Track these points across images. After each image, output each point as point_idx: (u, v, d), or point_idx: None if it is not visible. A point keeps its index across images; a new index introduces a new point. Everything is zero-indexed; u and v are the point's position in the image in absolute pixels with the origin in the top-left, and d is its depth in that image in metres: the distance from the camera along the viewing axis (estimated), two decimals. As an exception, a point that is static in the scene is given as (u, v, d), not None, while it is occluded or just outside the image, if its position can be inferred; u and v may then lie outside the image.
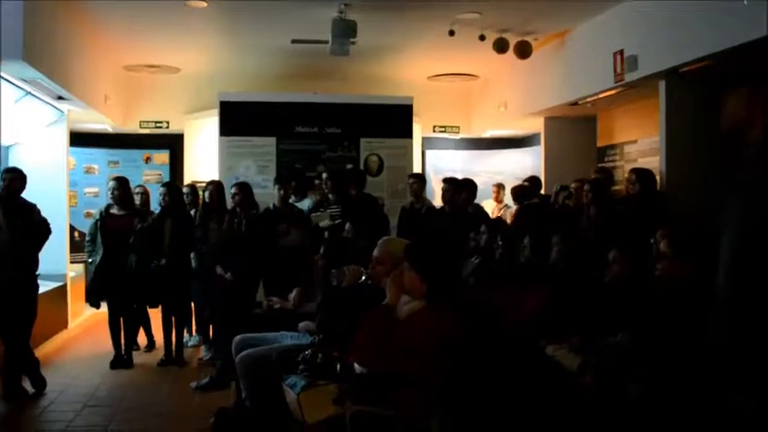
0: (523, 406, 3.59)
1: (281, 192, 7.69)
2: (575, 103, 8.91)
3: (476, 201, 8.47)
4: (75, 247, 10.21)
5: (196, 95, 11.14)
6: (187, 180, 10.51)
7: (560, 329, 4.48)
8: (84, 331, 9.34)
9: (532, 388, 3.75)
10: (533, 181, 9.23)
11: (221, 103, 9.51)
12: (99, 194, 11.28)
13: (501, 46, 8.41)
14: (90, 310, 9.25)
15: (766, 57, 5.65)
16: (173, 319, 7.66)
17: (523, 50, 8.54)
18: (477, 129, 12.34)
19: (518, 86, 10.37)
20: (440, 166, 12.49)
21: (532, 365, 4.09)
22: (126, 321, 7.67)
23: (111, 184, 7.61)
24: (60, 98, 8.31)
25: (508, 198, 10.13)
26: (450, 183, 8.19)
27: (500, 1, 7.40)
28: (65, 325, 9.09)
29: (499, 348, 3.93)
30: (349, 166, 9.34)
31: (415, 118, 10.26)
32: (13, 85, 7.37)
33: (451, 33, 8.08)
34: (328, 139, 9.68)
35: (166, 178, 11.51)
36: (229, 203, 7.78)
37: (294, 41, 8.83)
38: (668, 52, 6.71)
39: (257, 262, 7.31)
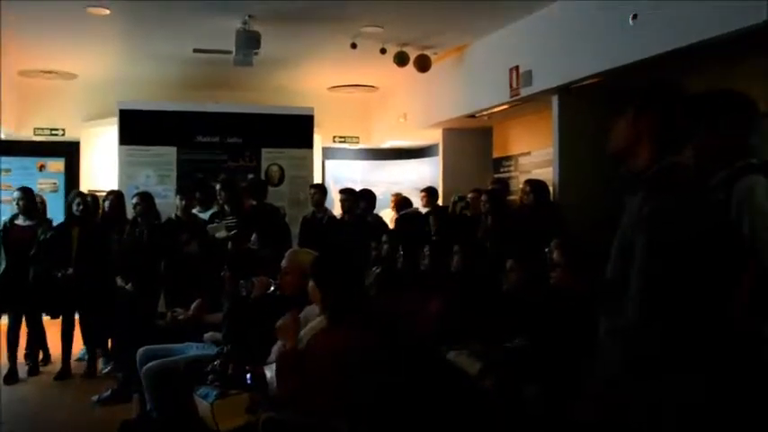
0: (427, 411, 3.74)
1: (183, 202, 7.64)
2: (472, 116, 9.18)
3: (375, 210, 8.63)
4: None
5: (94, 103, 10.86)
6: (84, 189, 10.27)
7: (461, 336, 4.67)
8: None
9: (435, 393, 3.91)
10: (430, 191, 9.43)
11: (121, 111, 9.39)
12: (-11, 202, 10.91)
13: (401, 59, 8.61)
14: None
15: (654, 76, 5.98)
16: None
17: (423, 64, 8.77)
18: (377, 139, 12.52)
19: (417, 98, 10.59)
20: (339, 176, 12.58)
21: (435, 372, 4.26)
22: (31, 333, 7.49)
23: (16, 194, 7.47)
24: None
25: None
26: (347, 193, 8.33)
27: (402, 16, 7.58)
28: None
29: (403, 357, 4.07)
30: (250, 176, 9.34)
31: (315, 128, 10.35)
32: None
33: (353, 46, 8.23)
34: (230, 149, 9.68)
35: (62, 187, 11.22)
36: (130, 213, 7.69)
37: (196, 51, 8.80)
38: (560, 69, 7.04)
39: (159, 273, 7.25)
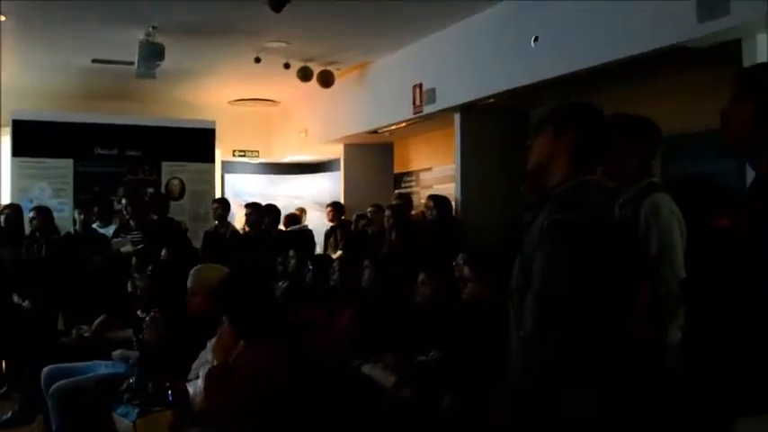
0: (345, 424, 3.79)
1: (82, 216, 7.45)
2: (374, 132, 9.31)
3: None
4: None
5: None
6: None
7: (373, 349, 4.73)
8: None
9: (353, 407, 3.97)
10: (336, 206, 9.46)
11: (14, 121, 9.08)
12: None
13: (305, 74, 8.67)
14: None
15: (552, 96, 6.26)
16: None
17: (326, 79, 8.85)
18: (278, 153, 12.51)
19: (319, 114, 10.64)
20: (239, 190, 12.47)
21: (351, 385, 4.31)
22: None
23: None
24: None
25: (308, 221, 10.33)
26: (252, 207, 8.30)
27: (308, 32, 7.64)
28: None
29: (319, 371, 4.11)
30: (150, 190, 9.18)
31: (216, 142, 10.27)
32: None
33: (257, 60, 8.24)
34: (129, 162, 9.48)
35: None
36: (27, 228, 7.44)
37: (95, 61, 8.61)
38: (464, 87, 7.25)
39: (58, 289, 7.04)
